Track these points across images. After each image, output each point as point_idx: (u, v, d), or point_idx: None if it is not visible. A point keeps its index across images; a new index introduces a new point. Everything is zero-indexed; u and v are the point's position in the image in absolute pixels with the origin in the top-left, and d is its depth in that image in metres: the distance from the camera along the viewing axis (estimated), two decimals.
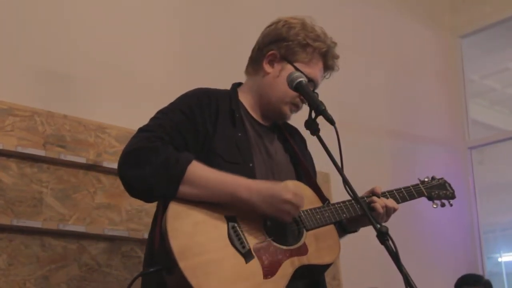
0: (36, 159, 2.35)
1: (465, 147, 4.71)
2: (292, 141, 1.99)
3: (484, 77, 5.70)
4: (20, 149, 2.29)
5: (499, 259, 6.03)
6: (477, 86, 5.57)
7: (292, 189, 1.70)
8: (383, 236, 1.48)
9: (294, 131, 2.08)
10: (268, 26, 1.99)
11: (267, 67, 1.92)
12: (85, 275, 2.38)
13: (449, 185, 2.21)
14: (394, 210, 1.95)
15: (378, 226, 1.50)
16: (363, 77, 4.08)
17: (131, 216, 2.56)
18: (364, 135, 3.94)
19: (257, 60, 1.96)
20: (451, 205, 2.17)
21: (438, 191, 2.15)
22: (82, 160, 2.45)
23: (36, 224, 2.26)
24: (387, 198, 1.97)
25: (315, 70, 1.92)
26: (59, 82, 2.61)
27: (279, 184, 1.72)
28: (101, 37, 2.78)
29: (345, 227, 1.97)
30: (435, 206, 2.15)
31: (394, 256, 1.46)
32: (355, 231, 2.02)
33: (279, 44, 1.92)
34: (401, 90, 4.41)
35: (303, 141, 2.10)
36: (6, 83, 2.43)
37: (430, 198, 2.14)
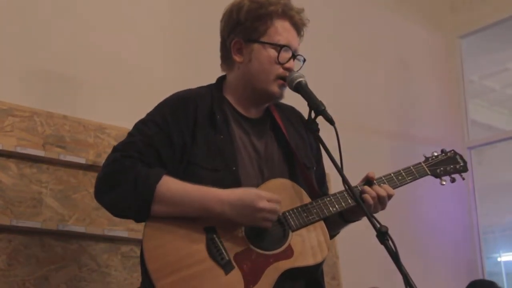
0: (35, 159, 2.35)
1: (465, 148, 4.70)
2: (287, 128, 1.91)
3: (483, 78, 5.70)
4: (19, 150, 2.29)
5: (499, 259, 6.03)
6: (477, 87, 5.58)
7: (265, 195, 1.64)
8: (383, 236, 1.48)
9: (289, 111, 2.00)
10: (221, 19, 1.91)
11: (237, 57, 1.85)
12: (84, 276, 2.38)
13: (461, 157, 2.05)
14: (390, 196, 1.82)
15: (378, 226, 1.50)
16: (363, 77, 4.09)
17: None
18: (363, 135, 3.94)
19: (226, 55, 1.90)
20: (463, 178, 2.01)
21: (445, 166, 2.00)
22: (81, 160, 2.45)
23: (36, 224, 2.26)
24: (384, 183, 1.87)
25: (284, 34, 1.83)
26: (58, 82, 2.61)
27: (251, 191, 1.67)
28: (101, 37, 2.78)
29: (344, 217, 1.88)
30: (444, 183, 1.98)
31: (394, 256, 1.45)
32: (358, 219, 1.90)
33: (237, 29, 1.84)
34: (401, 90, 4.41)
35: (302, 120, 1.99)
36: (5, 83, 2.43)
37: (436, 175, 1.98)
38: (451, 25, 4.92)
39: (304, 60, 1.89)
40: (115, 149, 1.75)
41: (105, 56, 2.77)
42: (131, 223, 2.55)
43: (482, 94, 5.85)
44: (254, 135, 1.86)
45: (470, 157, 4.69)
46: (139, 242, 2.51)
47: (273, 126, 1.91)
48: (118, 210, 1.71)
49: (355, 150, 3.35)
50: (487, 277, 4.08)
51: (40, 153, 2.34)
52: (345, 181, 1.63)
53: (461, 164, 2.03)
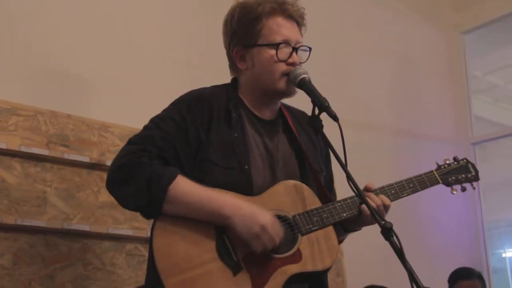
0: (39, 158, 2.35)
1: (468, 143, 4.69)
2: (299, 132, 1.91)
3: (487, 73, 5.69)
4: (23, 149, 2.30)
5: (503, 255, 6.03)
6: (480, 82, 5.56)
7: (271, 219, 1.63)
8: (388, 232, 1.48)
9: (301, 116, 1.99)
10: (222, 31, 1.94)
11: (241, 65, 1.87)
12: (89, 274, 2.38)
13: (473, 165, 2.06)
14: (386, 207, 1.81)
15: (383, 222, 1.50)
16: (367, 73, 4.08)
17: (135, 214, 2.55)
18: (367, 131, 3.94)
19: (232, 64, 1.92)
20: (474, 188, 2.02)
21: (457, 175, 2.00)
22: (85, 159, 2.46)
23: (41, 223, 2.27)
24: (395, 189, 1.88)
25: (279, 31, 1.82)
26: (62, 81, 2.62)
27: (263, 210, 1.66)
28: (104, 36, 2.78)
29: (345, 226, 1.88)
30: (454, 192, 1.98)
31: (399, 252, 1.45)
32: (358, 229, 1.92)
33: (234, 38, 1.87)
34: (404, 86, 4.40)
35: None
36: (9, 83, 2.43)
37: (448, 184, 1.99)
38: (454, 20, 4.91)
39: (310, 49, 1.88)
40: (132, 141, 1.72)
41: (109, 55, 2.77)
42: (136, 222, 2.56)
43: (485, 89, 5.83)
44: (267, 135, 1.86)
45: (474, 153, 4.68)
46: (144, 240, 2.53)
47: (285, 128, 1.92)
48: (129, 204, 1.69)
49: (358, 147, 3.35)
50: (492, 274, 4.07)
51: (44, 152, 2.35)
52: (349, 177, 1.63)
53: (473, 174, 2.03)
